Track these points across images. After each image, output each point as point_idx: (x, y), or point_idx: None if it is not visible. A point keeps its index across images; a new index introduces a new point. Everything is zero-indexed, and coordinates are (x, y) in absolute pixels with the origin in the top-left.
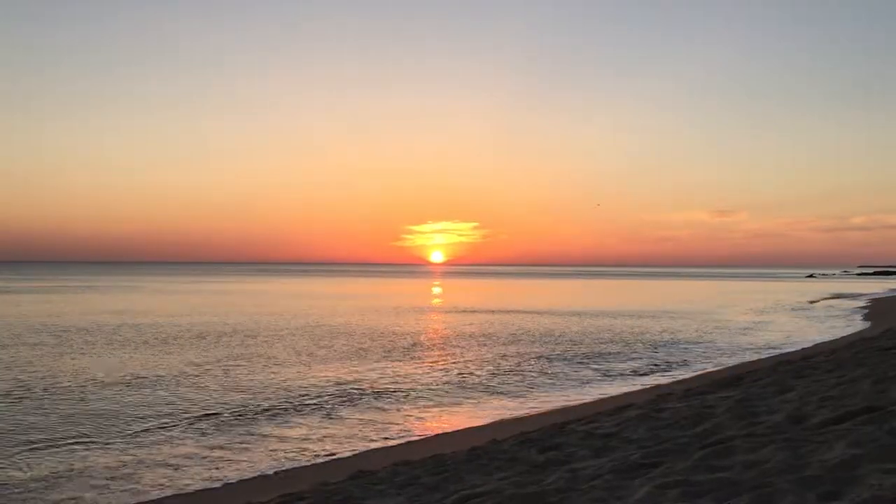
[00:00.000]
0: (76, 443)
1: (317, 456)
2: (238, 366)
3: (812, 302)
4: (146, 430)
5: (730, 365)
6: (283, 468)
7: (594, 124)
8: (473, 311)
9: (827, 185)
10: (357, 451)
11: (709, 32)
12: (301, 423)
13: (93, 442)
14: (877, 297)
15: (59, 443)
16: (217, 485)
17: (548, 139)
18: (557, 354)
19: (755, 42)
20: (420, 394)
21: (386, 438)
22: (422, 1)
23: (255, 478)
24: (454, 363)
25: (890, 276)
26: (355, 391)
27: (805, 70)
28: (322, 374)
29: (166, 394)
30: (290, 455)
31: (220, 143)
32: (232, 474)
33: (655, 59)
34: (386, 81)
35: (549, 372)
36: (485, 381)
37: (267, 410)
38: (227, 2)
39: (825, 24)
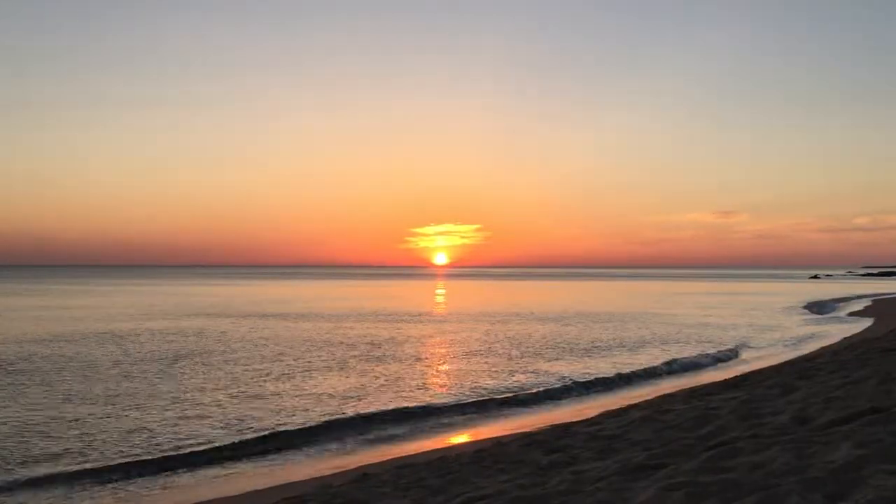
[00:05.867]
0: None
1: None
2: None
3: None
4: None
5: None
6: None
7: (596, 126)
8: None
9: (830, 186)
10: (361, 454)
11: (710, 33)
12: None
13: None
14: (881, 297)
15: None
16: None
17: (549, 141)
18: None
19: (757, 42)
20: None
21: (390, 440)
22: (424, 2)
23: (257, 480)
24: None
25: (894, 277)
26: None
27: (807, 70)
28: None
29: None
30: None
31: (222, 145)
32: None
33: (657, 59)
34: (388, 83)
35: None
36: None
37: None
38: (226, 2)
39: (827, 24)
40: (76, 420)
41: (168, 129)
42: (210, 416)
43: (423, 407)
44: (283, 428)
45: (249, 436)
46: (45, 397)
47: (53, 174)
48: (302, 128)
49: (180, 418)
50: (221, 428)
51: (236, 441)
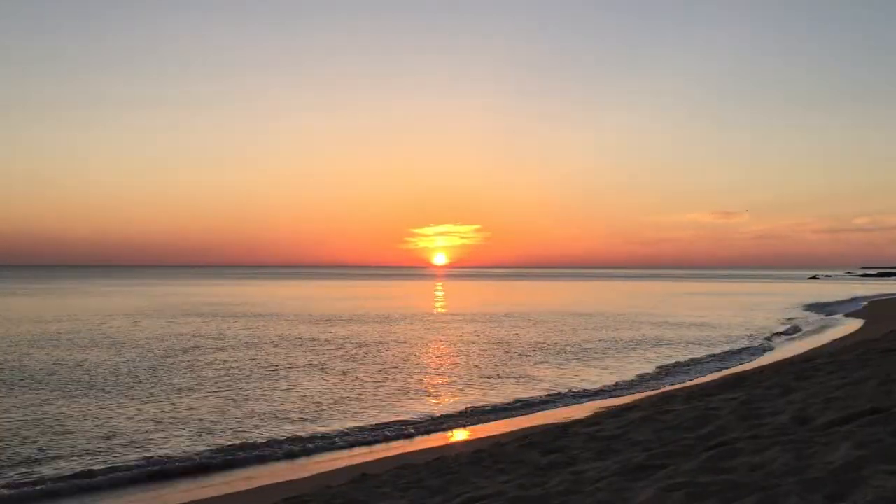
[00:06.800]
0: None
1: (319, 458)
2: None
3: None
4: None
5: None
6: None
7: (596, 126)
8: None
9: (829, 186)
10: (360, 454)
11: (710, 33)
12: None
13: None
14: (878, 299)
15: None
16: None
17: (549, 141)
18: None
19: (757, 42)
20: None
21: (389, 440)
22: (424, 2)
23: (256, 481)
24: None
25: (893, 277)
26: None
27: (807, 70)
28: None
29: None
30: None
31: (222, 145)
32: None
33: (657, 59)
34: (388, 83)
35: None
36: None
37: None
38: (226, 2)
39: (827, 24)
40: (56, 423)
41: (168, 129)
42: (192, 421)
43: (394, 422)
44: (250, 438)
45: (220, 443)
46: (30, 399)
47: (53, 174)
48: (302, 128)
49: (162, 422)
50: (197, 435)
51: (207, 450)
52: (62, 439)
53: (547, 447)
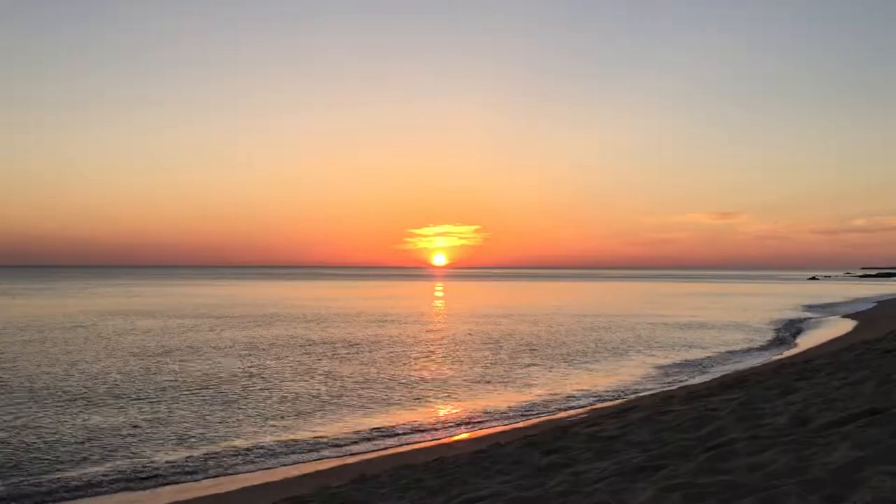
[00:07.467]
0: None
1: (317, 459)
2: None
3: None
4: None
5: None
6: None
7: (595, 126)
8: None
9: (828, 188)
10: (360, 455)
11: (710, 34)
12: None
13: None
14: (877, 299)
15: None
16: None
17: (548, 141)
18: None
19: (756, 43)
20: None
21: (389, 441)
22: (424, 2)
23: (257, 481)
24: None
25: (893, 278)
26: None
27: (806, 71)
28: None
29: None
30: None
31: (222, 145)
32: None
33: (656, 60)
34: (388, 84)
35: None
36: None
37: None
38: (226, 2)
39: (826, 25)
40: (40, 426)
41: (168, 129)
42: (186, 423)
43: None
44: (246, 440)
45: (214, 446)
46: (18, 400)
47: (53, 174)
48: (302, 128)
49: (154, 425)
50: (193, 437)
51: (201, 452)
52: (44, 443)
53: (546, 447)
